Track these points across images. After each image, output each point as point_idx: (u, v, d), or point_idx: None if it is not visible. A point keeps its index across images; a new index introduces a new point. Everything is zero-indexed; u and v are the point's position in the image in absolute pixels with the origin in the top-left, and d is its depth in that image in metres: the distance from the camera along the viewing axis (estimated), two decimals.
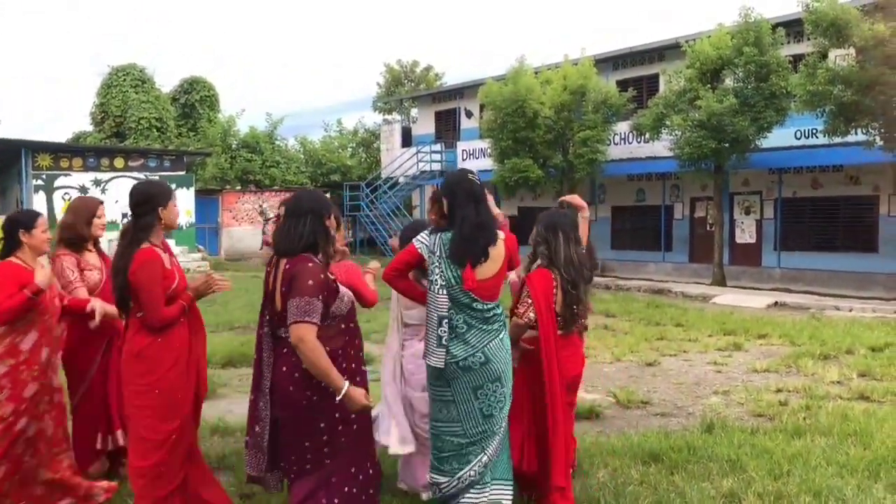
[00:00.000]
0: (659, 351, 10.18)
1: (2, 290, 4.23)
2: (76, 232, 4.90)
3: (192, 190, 27.81)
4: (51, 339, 4.48)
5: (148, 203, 4.03)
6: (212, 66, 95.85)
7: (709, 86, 17.97)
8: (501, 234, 4.04)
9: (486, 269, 3.93)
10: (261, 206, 28.67)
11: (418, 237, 4.06)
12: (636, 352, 10.07)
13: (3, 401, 4.28)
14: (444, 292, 3.91)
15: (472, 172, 4.15)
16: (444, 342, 3.90)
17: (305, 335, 3.42)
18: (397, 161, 30.03)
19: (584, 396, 7.60)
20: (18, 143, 25.87)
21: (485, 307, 3.93)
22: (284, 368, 3.62)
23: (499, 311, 4.02)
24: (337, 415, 3.61)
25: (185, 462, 4.11)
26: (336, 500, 3.64)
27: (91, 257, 4.98)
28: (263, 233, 27.35)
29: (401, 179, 29.44)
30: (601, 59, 22.96)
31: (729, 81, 18.26)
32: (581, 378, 4.81)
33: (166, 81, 53.93)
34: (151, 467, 3.96)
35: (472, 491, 4.00)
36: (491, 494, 4.05)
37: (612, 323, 12.76)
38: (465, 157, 28.14)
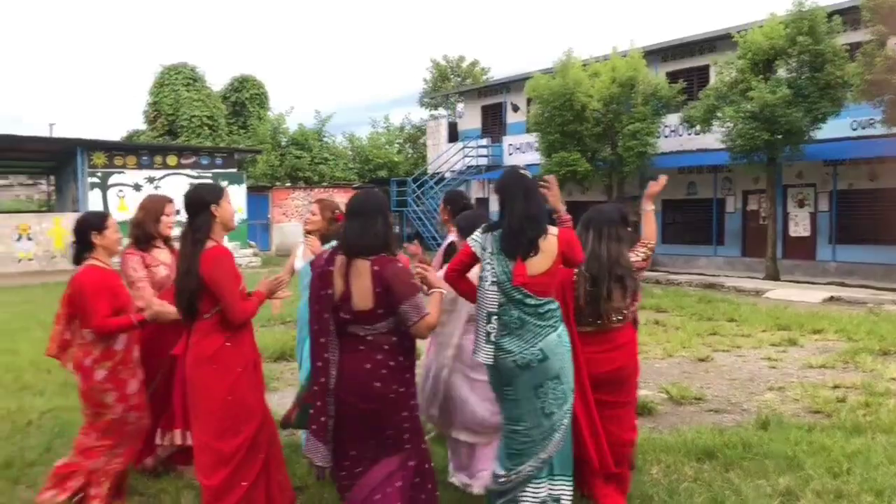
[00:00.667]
0: (711, 346, 10.04)
1: (99, 302, 4.35)
2: (144, 230, 4.99)
3: (244, 187, 28.20)
4: (136, 336, 4.65)
5: (200, 203, 4.07)
6: (261, 65, 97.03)
7: (761, 76, 17.63)
8: (554, 230, 4.03)
9: (538, 264, 3.92)
10: (310, 202, 28.95)
11: (472, 236, 4.08)
12: (688, 347, 9.95)
13: (113, 403, 4.47)
14: (495, 288, 3.91)
15: (523, 168, 4.17)
16: (492, 339, 3.91)
17: (431, 325, 3.77)
18: (444, 156, 30.07)
19: (637, 392, 7.54)
20: (74, 141, 26.48)
21: (538, 303, 3.92)
22: (368, 366, 3.71)
23: (553, 307, 3.99)
24: (412, 402, 3.84)
25: (261, 467, 4.07)
26: (408, 485, 3.80)
27: (161, 254, 5.05)
28: None
29: (447, 175, 29.47)
30: (650, 51, 22.69)
31: (782, 72, 17.88)
32: (623, 377, 4.56)
33: (217, 80, 54.87)
34: (217, 486, 3.92)
35: (529, 486, 4.00)
36: (550, 490, 4.04)
37: (663, 318, 12.62)
38: (511, 152, 28.06)
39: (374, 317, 3.71)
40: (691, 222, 23.22)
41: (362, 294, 3.70)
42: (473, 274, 4.15)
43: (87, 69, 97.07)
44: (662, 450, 5.52)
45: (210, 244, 4.00)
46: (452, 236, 5.36)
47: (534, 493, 4.01)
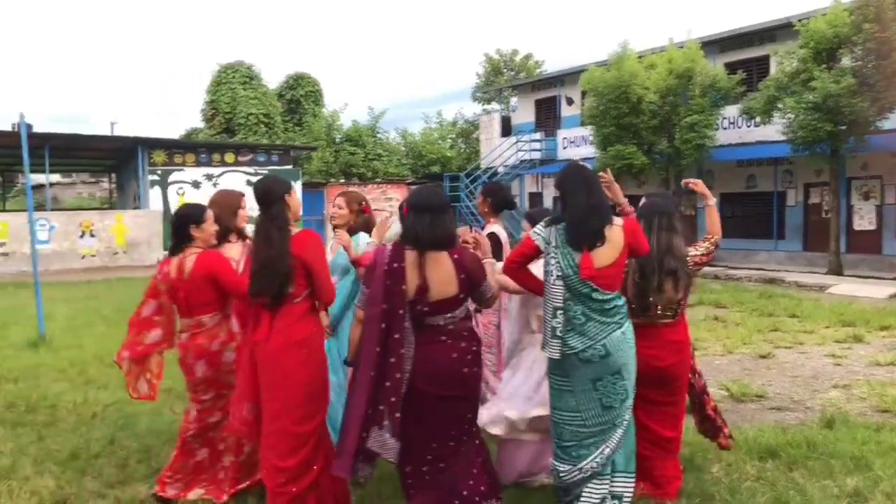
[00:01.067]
0: (773, 343, 9.81)
1: (233, 274, 4.48)
2: (222, 224, 4.98)
3: (299, 184, 28.52)
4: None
5: (273, 194, 4.12)
6: (316, 62, 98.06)
7: (824, 66, 17.17)
8: (619, 220, 4.00)
9: (605, 256, 3.89)
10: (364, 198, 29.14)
11: (535, 229, 4.07)
12: (749, 344, 9.74)
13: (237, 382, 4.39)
14: (560, 283, 3.89)
15: (582, 162, 4.20)
16: (558, 333, 3.89)
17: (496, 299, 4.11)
18: (497, 151, 29.98)
19: None
20: (135, 140, 27.11)
21: (604, 297, 3.89)
22: (455, 354, 3.80)
23: (620, 303, 3.97)
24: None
25: (327, 452, 4.12)
26: (484, 469, 3.98)
27: (232, 249, 5.03)
28: None
29: (500, 169, 29.37)
30: (708, 42, 22.30)
31: (846, 60, 17.37)
32: (670, 377, 4.46)
33: (272, 78, 55.63)
34: (293, 468, 3.96)
35: (593, 482, 3.98)
36: (613, 487, 4.01)
37: (723, 314, 12.38)
38: (565, 146, 27.86)
39: (454, 303, 3.81)
40: (751, 216, 22.76)
41: (444, 282, 3.78)
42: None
43: (147, 69, 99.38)
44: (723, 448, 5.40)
45: (295, 229, 4.10)
46: (491, 227, 5.33)
47: (596, 489, 3.98)
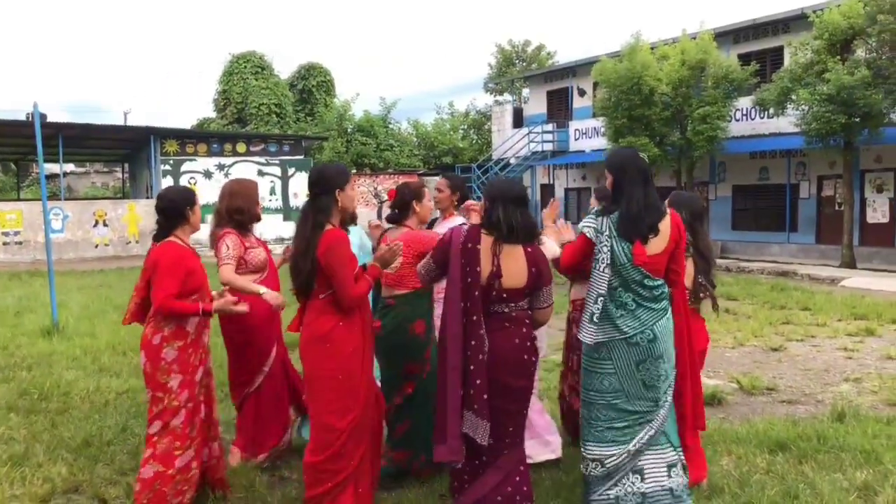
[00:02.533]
0: (784, 336, 9.77)
1: (170, 279, 4.14)
2: (249, 213, 5.00)
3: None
4: (208, 322, 4.42)
5: (326, 184, 4.01)
6: (328, 52, 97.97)
7: (838, 57, 17.04)
8: (667, 210, 4.08)
9: (656, 245, 3.97)
10: (375, 188, 29.17)
11: (585, 221, 4.11)
12: (760, 336, 9.71)
13: (176, 388, 4.20)
14: (609, 271, 3.94)
15: (640, 152, 4.26)
16: (595, 319, 3.95)
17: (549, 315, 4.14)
18: (508, 142, 29.92)
19: (707, 382, 7.38)
20: (147, 129, 27.23)
21: (654, 283, 3.97)
22: (517, 340, 3.86)
23: (666, 290, 4.03)
24: None
25: (363, 452, 4.07)
26: (527, 464, 4.06)
27: (253, 238, 5.10)
28: (379, 215, 27.86)
29: (512, 160, 29.31)
30: (721, 33, 22.14)
31: (861, 52, 17.25)
32: (705, 357, 4.79)
33: (284, 68, 55.59)
34: (321, 462, 3.94)
35: (650, 452, 3.98)
36: (672, 457, 4.04)
37: (734, 306, 12.34)
38: (577, 137, 27.77)
39: (521, 295, 3.89)
40: (763, 209, 22.66)
41: (516, 274, 3.84)
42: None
43: (160, 59, 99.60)
44: (733, 441, 5.41)
45: (328, 227, 3.98)
46: (454, 221, 5.21)
47: (660, 457, 4.00)
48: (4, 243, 23.15)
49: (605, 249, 3.95)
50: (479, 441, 3.73)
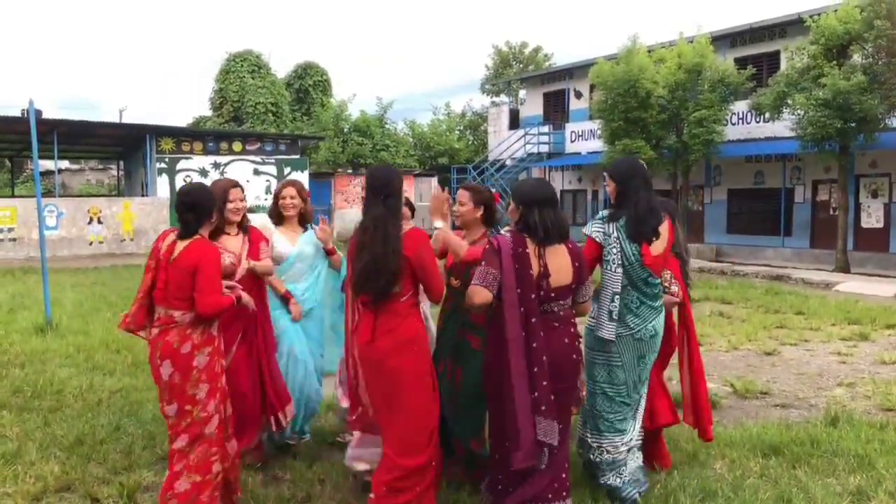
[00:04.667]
0: (778, 340, 9.79)
1: (217, 278, 4.01)
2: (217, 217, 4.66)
3: (307, 173, 28.54)
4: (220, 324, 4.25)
5: (391, 184, 3.95)
6: (324, 51, 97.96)
7: (834, 62, 17.08)
8: (664, 216, 4.44)
9: (657, 247, 4.33)
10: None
11: (593, 227, 4.39)
12: (754, 340, 9.73)
13: (203, 398, 4.01)
14: (621, 270, 4.27)
15: (641, 160, 4.51)
16: (614, 316, 4.26)
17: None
18: (504, 143, 29.94)
19: None
20: (143, 127, 27.16)
21: (655, 282, 4.36)
22: (567, 340, 3.93)
23: (662, 289, 4.48)
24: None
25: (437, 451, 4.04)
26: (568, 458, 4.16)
27: (230, 242, 4.85)
28: None
29: (508, 162, 29.33)
30: (718, 37, 22.20)
31: (857, 57, 17.29)
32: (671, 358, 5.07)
33: (281, 67, 55.53)
34: (418, 467, 3.86)
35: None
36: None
37: (728, 310, 12.36)
38: (573, 139, 27.80)
39: (568, 292, 3.98)
40: (758, 212, 22.71)
41: (563, 271, 3.93)
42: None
43: (156, 57, 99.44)
44: (727, 444, 5.41)
45: (407, 227, 4.00)
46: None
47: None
48: None
49: (614, 251, 4.27)
50: (549, 442, 3.80)
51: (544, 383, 3.76)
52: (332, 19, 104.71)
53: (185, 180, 26.46)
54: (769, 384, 7.52)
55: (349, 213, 31.47)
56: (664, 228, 4.38)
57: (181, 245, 4.04)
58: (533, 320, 3.79)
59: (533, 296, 3.81)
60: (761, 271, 18.68)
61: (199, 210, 4.10)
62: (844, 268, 18.27)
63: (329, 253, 5.34)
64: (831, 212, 20.29)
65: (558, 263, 3.92)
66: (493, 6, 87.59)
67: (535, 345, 3.77)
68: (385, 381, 3.90)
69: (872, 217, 19.88)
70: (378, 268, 3.81)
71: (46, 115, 15.66)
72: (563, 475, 4.01)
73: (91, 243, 24.10)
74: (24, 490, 4.60)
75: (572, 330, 3.98)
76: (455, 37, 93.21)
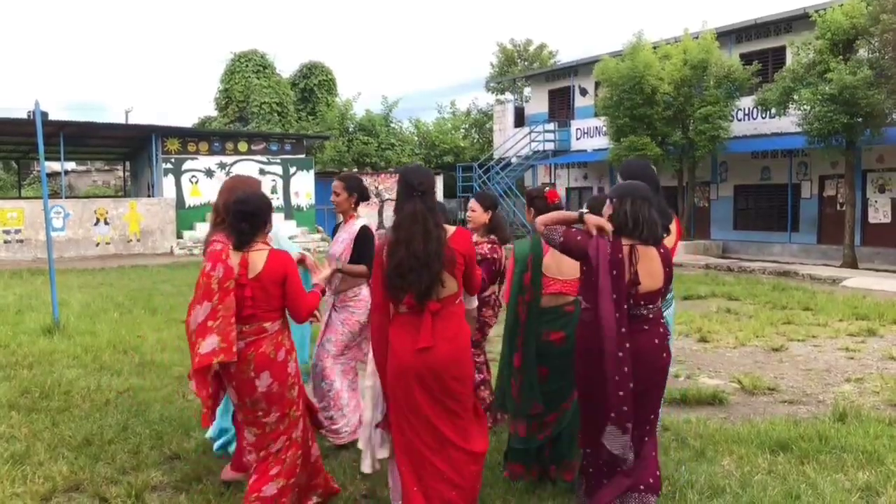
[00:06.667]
0: (786, 336, 9.76)
1: (301, 284, 4.05)
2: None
3: (312, 173, 28.56)
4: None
5: (428, 183, 3.84)
6: (329, 51, 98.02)
7: (840, 57, 17.03)
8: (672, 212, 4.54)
9: (667, 242, 4.26)
10: (376, 187, 29.12)
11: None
12: (761, 336, 9.70)
13: (297, 398, 4.08)
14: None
15: (651, 163, 4.59)
16: None
17: None
18: (510, 141, 29.91)
19: (707, 381, 7.41)
20: (149, 128, 27.20)
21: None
22: (657, 341, 3.94)
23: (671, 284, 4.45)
24: None
25: None
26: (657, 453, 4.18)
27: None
28: (380, 214, 27.90)
29: (513, 160, 29.30)
30: (723, 32, 22.15)
31: (863, 52, 17.23)
32: None
33: (286, 66, 55.59)
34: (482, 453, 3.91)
35: None
36: None
37: (735, 306, 12.32)
38: (579, 136, 27.77)
39: (658, 295, 3.96)
40: (765, 208, 22.66)
41: (654, 275, 3.90)
42: None
43: (161, 57, 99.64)
44: (734, 441, 5.40)
45: (450, 226, 3.86)
46: (360, 222, 5.35)
47: None
48: (6, 241, 23.14)
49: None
50: (627, 456, 3.82)
51: (621, 393, 3.75)
52: (337, 18, 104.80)
53: (191, 181, 26.53)
54: (777, 380, 7.49)
55: None
56: (673, 225, 4.51)
57: (255, 258, 3.94)
58: (623, 329, 3.76)
59: (625, 305, 3.79)
60: (768, 267, 18.62)
61: (255, 220, 3.97)
62: (852, 263, 18.21)
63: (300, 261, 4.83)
64: (838, 207, 20.23)
65: (651, 267, 3.88)
66: (497, 4, 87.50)
67: (620, 354, 3.75)
68: (446, 388, 3.75)
69: (880, 212, 19.81)
70: (423, 266, 3.63)
71: (53, 116, 15.70)
72: (646, 473, 3.99)
73: (98, 244, 24.16)
74: (33, 490, 4.62)
75: (661, 330, 3.96)
76: (460, 35, 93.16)
